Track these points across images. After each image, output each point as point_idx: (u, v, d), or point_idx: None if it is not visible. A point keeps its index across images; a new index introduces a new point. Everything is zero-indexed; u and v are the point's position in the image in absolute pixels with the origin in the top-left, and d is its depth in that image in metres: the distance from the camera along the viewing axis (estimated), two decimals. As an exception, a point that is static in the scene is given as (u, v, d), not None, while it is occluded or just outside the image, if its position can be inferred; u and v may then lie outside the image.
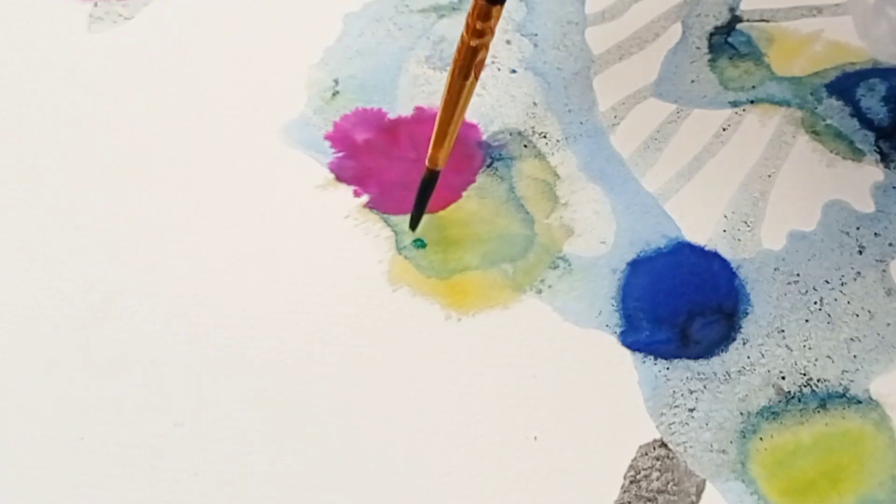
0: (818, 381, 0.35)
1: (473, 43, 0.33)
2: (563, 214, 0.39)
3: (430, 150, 0.36)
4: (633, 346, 0.36)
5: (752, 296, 0.37)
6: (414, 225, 0.38)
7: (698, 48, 0.43)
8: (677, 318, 0.37)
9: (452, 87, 0.34)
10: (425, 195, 0.37)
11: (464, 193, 0.39)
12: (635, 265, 0.38)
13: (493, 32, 0.33)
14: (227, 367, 0.35)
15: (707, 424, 0.34)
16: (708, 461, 0.34)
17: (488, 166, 0.40)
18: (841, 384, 0.35)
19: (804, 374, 0.35)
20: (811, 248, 0.38)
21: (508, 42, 0.43)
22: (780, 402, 0.35)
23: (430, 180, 0.37)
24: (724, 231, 0.38)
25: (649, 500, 0.33)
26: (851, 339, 0.36)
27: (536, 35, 0.44)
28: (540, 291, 0.37)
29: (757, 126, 0.41)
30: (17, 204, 0.39)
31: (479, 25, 0.32)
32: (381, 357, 0.36)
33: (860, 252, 0.38)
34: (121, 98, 0.42)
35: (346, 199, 0.39)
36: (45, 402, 0.35)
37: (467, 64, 0.33)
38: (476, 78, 0.34)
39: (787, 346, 0.36)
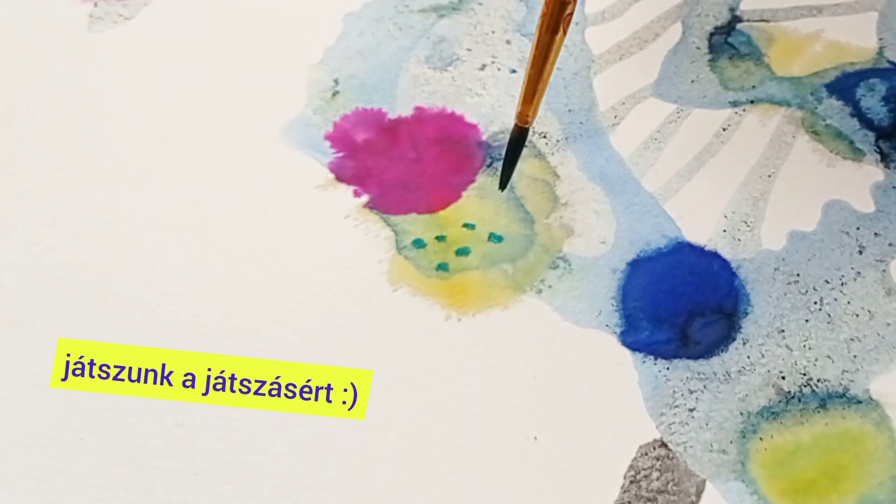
0: (818, 381, 0.35)
1: None
2: (563, 214, 0.39)
3: (519, 107, 0.36)
4: (633, 346, 0.36)
5: (752, 296, 0.37)
6: (504, 184, 0.38)
7: (698, 48, 0.43)
8: (677, 318, 0.37)
9: (541, 42, 0.34)
10: (515, 153, 0.37)
11: (464, 193, 0.39)
12: (635, 265, 0.38)
13: None
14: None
15: (707, 424, 0.34)
16: (708, 461, 0.34)
17: (488, 166, 0.40)
18: (841, 384, 0.35)
19: (804, 374, 0.35)
20: (811, 248, 0.38)
21: (508, 42, 0.43)
22: (780, 402, 0.35)
23: (519, 137, 0.37)
24: (724, 231, 0.38)
25: (649, 500, 0.33)
26: (851, 339, 0.36)
27: (536, 35, 0.44)
28: (540, 291, 0.37)
29: (757, 126, 0.41)
30: (18, 204, 0.39)
31: None
32: (381, 357, 0.36)
33: (860, 252, 0.38)
34: (121, 98, 0.42)
35: (346, 199, 0.39)
36: (46, 401, 0.35)
37: (556, 18, 0.33)
38: (564, 32, 0.33)
39: (787, 346, 0.36)
